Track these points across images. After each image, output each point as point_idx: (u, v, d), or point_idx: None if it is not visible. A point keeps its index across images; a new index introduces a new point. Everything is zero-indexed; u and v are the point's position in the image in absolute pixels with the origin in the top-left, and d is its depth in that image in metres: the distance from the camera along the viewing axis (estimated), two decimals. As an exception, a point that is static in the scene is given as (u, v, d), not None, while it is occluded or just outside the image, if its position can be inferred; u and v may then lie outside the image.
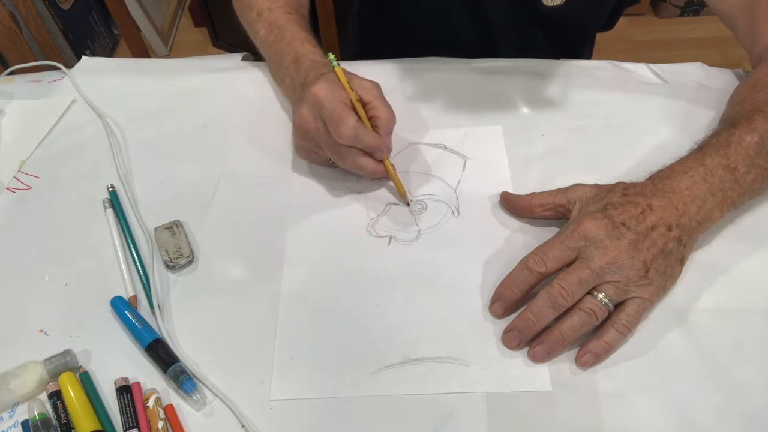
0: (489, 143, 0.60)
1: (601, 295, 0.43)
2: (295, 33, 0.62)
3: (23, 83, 0.73)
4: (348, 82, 0.53)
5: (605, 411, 0.41)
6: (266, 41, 0.64)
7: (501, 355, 0.44)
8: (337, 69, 0.53)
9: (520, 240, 0.52)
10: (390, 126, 0.54)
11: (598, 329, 0.44)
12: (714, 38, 1.98)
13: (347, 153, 0.53)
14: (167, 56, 2.05)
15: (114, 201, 0.57)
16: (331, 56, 0.54)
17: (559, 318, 0.43)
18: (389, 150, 0.54)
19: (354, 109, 0.53)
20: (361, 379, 0.44)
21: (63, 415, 0.42)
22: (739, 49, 0.63)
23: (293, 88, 0.60)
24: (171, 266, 0.51)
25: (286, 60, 0.61)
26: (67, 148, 0.64)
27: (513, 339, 0.44)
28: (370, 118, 0.54)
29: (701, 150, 0.48)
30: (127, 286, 0.50)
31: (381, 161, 0.54)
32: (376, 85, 0.55)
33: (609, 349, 0.43)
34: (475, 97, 0.65)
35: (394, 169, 0.55)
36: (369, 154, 0.53)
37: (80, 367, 0.46)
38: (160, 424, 0.41)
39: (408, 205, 0.56)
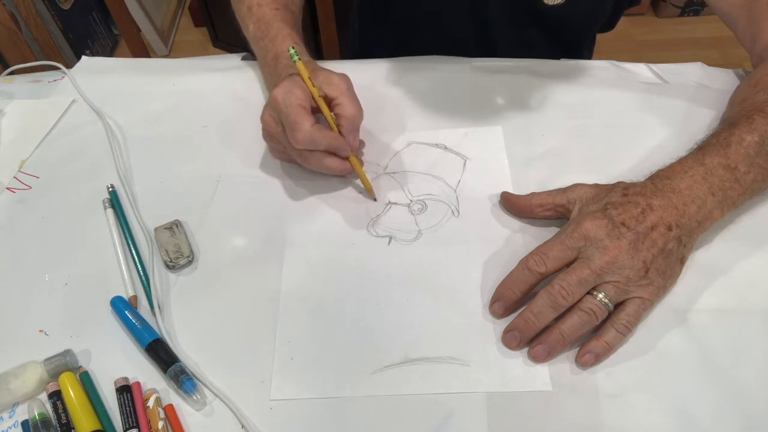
0: (489, 143, 0.60)
1: (601, 295, 0.43)
2: (279, 29, 0.61)
3: (23, 83, 0.73)
4: (312, 79, 0.52)
5: (605, 411, 0.41)
6: (254, 37, 0.64)
7: (501, 355, 0.44)
8: (298, 63, 0.52)
9: (520, 240, 0.52)
10: (353, 123, 0.53)
11: (598, 329, 0.44)
12: (714, 38, 1.98)
13: (310, 155, 0.53)
14: (167, 56, 2.05)
15: (114, 201, 0.57)
16: (292, 51, 0.52)
17: (559, 318, 0.43)
18: (354, 148, 0.54)
19: (317, 108, 0.52)
20: (361, 379, 0.44)
21: (63, 415, 0.42)
22: (739, 49, 0.63)
23: (272, 86, 0.59)
24: (171, 266, 0.51)
25: (268, 57, 0.61)
26: (67, 148, 0.64)
27: (513, 339, 0.44)
28: (335, 115, 0.53)
29: (701, 149, 0.48)
30: (127, 286, 0.50)
31: (347, 159, 0.54)
32: (345, 79, 0.54)
33: (609, 349, 0.43)
34: (475, 97, 0.65)
35: (361, 165, 0.55)
36: (334, 153, 0.53)
37: (80, 367, 0.46)
38: (160, 424, 0.41)
39: (375, 200, 0.55)
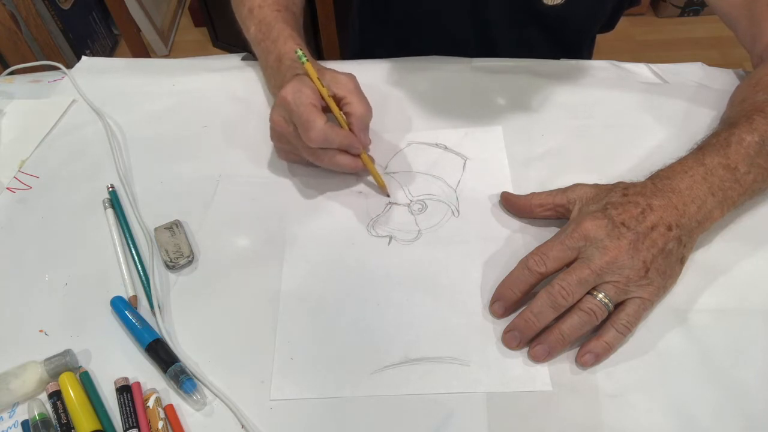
0: (489, 143, 0.60)
1: (601, 295, 0.43)
2: (281, 30, 0.61)
3: (23, 83, 0.73)
4: (319, 78, 0.53)
5: (605, 411, 0.41)
6: (255, 39, 0.64)
7: (501, 355, 0.44)
8: (306, 65, 0.52)
9: (520, 240, 0.52)
10: (364, 121, 0.54)
11: (598, 329, 0.44)
12: (714, 38, 1.98)
13: (323, 154, 0.53)
14: (167, 56, 2.05)
15: (114, 201, 0.57)
16: (299, 52, 0.53)
17: (559, 318, 0.43)
18: (365, 145, 0.54)
19: (326, 107, 0.52)
20: (361, 379, 0.44)
21: (63, 415, 0.42)
22: (739, 49, 0.63)
23: (276, 88, 0.59)
24: (171, 266, 0.51)
25: (270, 58, 0.61)
26: (67, 148, 0.64)
27: (513, 339, 0.44)
28: (345, 114, 0.54)
29: (701, 150, 0.48)
30: (127, 286, 0.50)
31: (359, 156, 0.54)
32: (352, 78, 0.55)
33: (609, 349, 0.43)
34: (475, 97, 0.65)
35: (373, 162, 0.56)
36: (346, 150, 0.53)
37: (80, 367, 0.46)
38: (160, 424, 0.41)
39: (388, 196, 0.56)
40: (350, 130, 0.53)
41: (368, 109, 0.54)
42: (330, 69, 0.56)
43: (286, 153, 0.58)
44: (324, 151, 0.53)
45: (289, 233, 0.54)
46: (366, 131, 0.54)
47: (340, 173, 0.57)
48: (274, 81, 0.61)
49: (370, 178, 0.57)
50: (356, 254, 0.52)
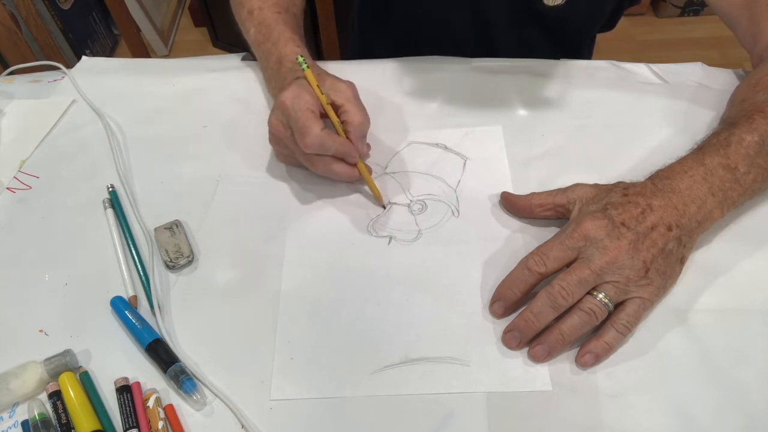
0: (489, 143, 0.60)
1: (601, 295, 0.43)
2: (281, 33, 0.61)
3: (23, 83, 0.73)
4: (319, 85, 0.52)
5: (605, 411, 0.41)
6: (255, 41, 0.64)
7: (501, 355, 0.44)
8: (306, 72, 0.52)
9: (520, 240, 0.52)
10: (361, 130, 0.53)
11: (598, 329, 0.44)
12: (714, 38, 1.98)
13: (318, 160, 0.53)
14: (167, 56, 2.05)
15: (114, 201, 0.57)
16: (300, 59, 0.52)
17: (559, 318, 0.43)
18: (362, 154, 0.54)
19: (324, 114, 0.52)
20: (361, 379, 0.44)
21: (63, 415, 0.42)
22: (739, 49, 0.63)
23: (276, 90, 0.59)
24: (171, 266, 0.51)
25: (271, 60, 0.61)
26: (67, 148, 0.64)
27: (513, 339, 0.44)
28: (342, 122, 0.53)
29: (701, 150, 0.48)
30: (127, 286, 0.50)
31: (355, 165, 0.54)
32: (351, 87, 0.54)
33: (609, 349, 0.43)
34: (475, 97, 0.65)
35: (370, 172, 0.55)
36: (342, 159, 0.53)
37: (80, 367, 0.46)
38: (160, 424, 0.41)
39: (384, 208, 0.55)
40: (347, 138, 0.53)
41: (365, 118, 0.54)
42: (331, 75, 0.56)
43: (284, 156, 0.58)
44: (319, 157, 0.52)
45: (289, 233, 0.54)
46: (363, 140, 0.54)
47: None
48: (274, 83, 0.61)
49: (367, 188, 0.57)
50: (356, 254, 0.52)
